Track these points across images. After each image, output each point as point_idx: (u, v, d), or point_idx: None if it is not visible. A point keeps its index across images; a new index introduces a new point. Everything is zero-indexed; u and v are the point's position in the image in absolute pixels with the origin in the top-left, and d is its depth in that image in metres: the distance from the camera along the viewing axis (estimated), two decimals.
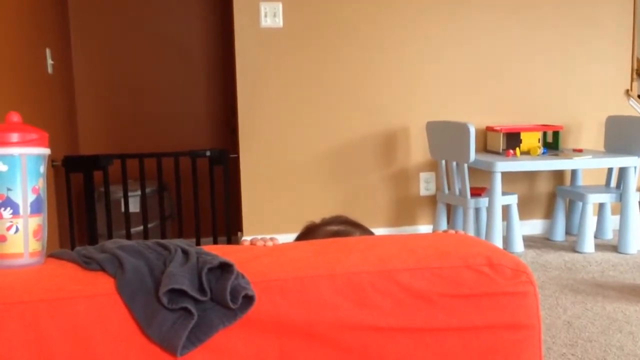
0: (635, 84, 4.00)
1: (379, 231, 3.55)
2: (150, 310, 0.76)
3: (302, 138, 3.66)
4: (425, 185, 3.85)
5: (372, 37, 3.69)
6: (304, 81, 3.64)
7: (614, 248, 3.53)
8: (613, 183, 3.72)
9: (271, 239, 1.04)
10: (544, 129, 3.75)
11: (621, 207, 3.50)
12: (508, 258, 0.87)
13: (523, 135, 3.66)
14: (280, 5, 3.55)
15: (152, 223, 3.60)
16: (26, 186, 0.86)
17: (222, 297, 0.76)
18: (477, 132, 3.62)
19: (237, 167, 3.67)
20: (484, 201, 3.44)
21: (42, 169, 0.88)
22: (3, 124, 0.88)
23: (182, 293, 0.76)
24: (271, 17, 3.55)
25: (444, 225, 3.67)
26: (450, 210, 3.72)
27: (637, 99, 4.02)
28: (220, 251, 0.87)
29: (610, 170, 3.74)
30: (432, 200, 3.84)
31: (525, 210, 3.88)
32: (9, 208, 0.85)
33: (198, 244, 3.30)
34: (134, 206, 3.57)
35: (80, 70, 3.89)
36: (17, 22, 2.71)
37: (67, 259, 0.89)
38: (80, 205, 3.59)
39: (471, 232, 3.37)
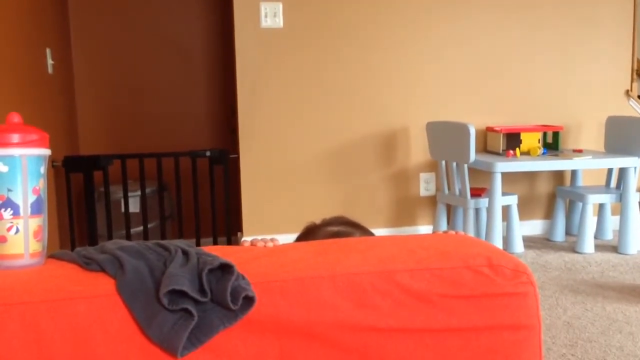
0: (635, 84, 4.00)
1: (379, 231, 3.55)
2: (151, 311, 0.76)
3: (302, 138, 3.67)
4: (425, 185, 3.85)
5: (372, 37, 3.69)
6: (304, 81, 3.64)
7: (614, 248, 3.53)
8: (613, 183, 3.72)
9: (271, 239, 1.04)
10: (544, 129, 3.75)
11: (621, 208, 3.50)
12: (508, 259, 0.88)
13: (523, 136, 3.66)
14: (281, 6, 3.55)
15: (152, 223, 3.60)
16: (27, 187, 0.86)
17: (222, 298, 0.76)
18: (477, 132, 3.62)
19: (237, 167, 3.67)
20: (484, 201, 3.44)
21: (43, 169, 0.88)
22: (3, 125, 0.88)
23: (182, 294, 0.76)
24: (271, 17, 3.55)
25: (444, 225, 3.67)
26: (450, 211, 3.72)
27: (637, 99, 4.02)
28: (220, 252, 0.87)
29: (610, 170, 3.74)
30: (432, 201, 3.84)
31: (525, 211, 3.88)
32: (9, 209, 0.85)
33: (198, 244, 3.30)
34: (134, 206, 3.57)
35: (80, 70, 3.89)
36: (17, 22, 2.71)
37: (67, 259, 0.89)
38: (80, 206, 3.59)
39: (471, 233, 3.38)
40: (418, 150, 3.80)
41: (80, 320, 0.76)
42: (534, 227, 3.97)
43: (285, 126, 3.64)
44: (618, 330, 2.35)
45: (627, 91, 4.00)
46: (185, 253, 0.85)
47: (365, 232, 1.31)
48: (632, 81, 3.99)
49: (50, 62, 3.17)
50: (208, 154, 3.46)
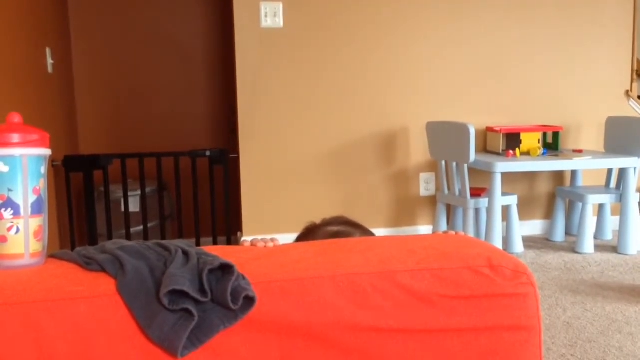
0: (635, 84, 4.00)
1: (379, 231, 3.55)
2: (151, 311, 0.76)
3: (302, 138, 3.67)
4: (425, 185, 3.85)
5: (372, 37, 3.69)
6: (304, 81, 3.64)
7: (614, 249, 3.53)
8: (613, 184, 3.73)
9: (272, 239, 1.04)
10: (543, 129, 3.75)
11: (621, 208, 3.50)
12: (508, 259, 0.88)
13: (523, 136, 3.66)
14: (281, 5, 3.55)
15: (152, 223, 3.60)
16: (27, 187, 0.86)
17: (223, 298, 0.76)
18: (477, 132, 3.62)
19: (237, 167, 3.67)
20: (483, 202, 3.44)
21: (43, 169, 0.88)
22: (4, 125, 0.88)
23: (182, 294, 0.76)
24: (271, 17, 3.55)
25: (443, 225, 3.67)
26: (450, 211, 3.72)
27: (637, 99, 4.02)
28: (220, 252, 0.87)
29: (610, 171, 3.74)
30: (432, 201, 3.84)
31: (525, 211, 3.88)
32: (9, 209, 0.85)
33: (198, 244, 3.30)
34: (134, 206, 3.57)
35: (80, 69, 3.89)
36: (17, 22, 2.71)
37: (67, 259, 0.89)
38: (80, 205, 3.59)
39: (471, 233, 3.38)
40: (418, 150, 3.80)
41: (81, 320, 0.76)
42: (534, 227, 3.97)
43: (285, 126, 3.64)
44: (618, 331, 2.35)
45: (627, 91, 4.00)
46: (185, 253, 0.85)
47: (366, 232, 1.31)
48: (632, 81, 3.99)
49: (50, 61, 3.17)
50: (208, 153, 3.47)
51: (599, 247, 3.55)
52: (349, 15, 3.65)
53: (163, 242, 0.91)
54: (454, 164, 3.48)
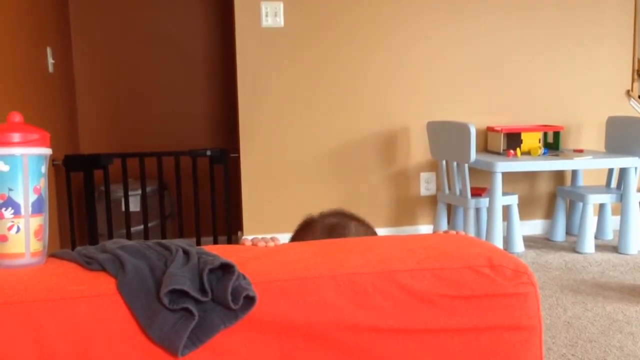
0: (636, 84, 4.00)
1: (379, 231, 3.54)
2: (152, 311, 0.76)
3: (303, 137, 3.67)
4: (426, 185, 3.85)
5: (373, 37, 3.69)
6: (304, 81, 3.64)
7: (615, 248, 3.53)
8: (613, 183, 3.72)
9: (272, 239, 1.04)
10: (544, 129, 3.74)
11: (621, 208, 3.50)
12: (509, 259, 0.87)
13: (523, 136, 3.66)
14: (281, 5, 3.55)
15: (153, 222, 3.60)
16: (27, 186, 0.86)
17: (223, 297, 0.76)
18: (478, 132, 3.62)
19: (237, 167, 3.67)
20: (484, 201, 3.44)
21: (44, 168, 0.88)
22: (4, 124, 0.88)
23: (183, 293, 0.76)
24: (272, 16, 3.55)
25: (444, 225, 3.67)
26: (451, 210, 3.72)
27: (638, 99, 4.02)
28: (221, 251, 0.87)
29: (610, 170, 3.74)
30: (433, 200, 3.84)
31: (526, 211, 3.88)
32: (10, 208, 0.85)
33: (198, 243, 3.31)
34: (135, 205, 3.57)
35: (80, 69, 3.89)
36: (18, 21, 2.71)
37: (68, 259, 0.89)
38: (81, 204, 3.59)
39: (471, 232, 3.38)
40: (418, 150, 3.80)
41: (81, 319, 0.76)
42: (535, 227, 3.97)
43: (286, 125, 3.64)
44: (618, 330, 2.35)
45: (628, 91, 4.00)
46: (186, 252, 0.85)
47: (362, 224, 1.31)
48: (632, 81, 3.99)
49: (51, 61, 3.17)
50: (208, 153, 3.47)
51: (599, 247, 3.55)
52: (350, 15, 3.65)
53: (163, 241, 0.91)
54: (455, 163, 3.48)
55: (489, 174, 3.43)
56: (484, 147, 3.83)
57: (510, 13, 3.83)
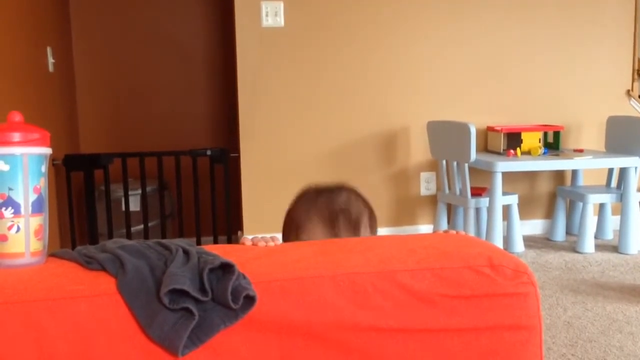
0: (636, 84, 4.00)
1: (379, 231, 3.54)
2: (152, 310, 0.76)
3: (303, 137, 3.66)
4: (426, 185, 3.85)
5: (373, 37, 3.69)
6: (304, 80, 3.64)
7: (615, 248, 3.53)
8: (614, 183, 3.72)
9: (272, 238, 1.03)
10: (544, 129, 3.74)
11: (621, 208, 3.50)
12: (509, 259, 0.87)
13: (524, 135, 3.65)
14: (282, 5, 3.55)
15: (153, 222, 3.60)
16: (27, 186, 0.86)
17: (223, 297, 0.76)
18: (478, 132, 3.62)
19: (237, 166, 3.67)
20: (484, 201, 3.44)
21: (44, 168, 0.88)
22: (5, 124, 0.88)
23: (183, 293, 0.76)
24: (272, 16, 3.55)
25: (444, 225, 3.67)
26: (451, 210, 3.72)
27: (638, 99, 4.02)
28: (221, 251, 0.87)
29: (610, 170, 3.74)
30: (433, 200, 3.84)
31: (526, 210, 3.88)
32: (10, 207, 0.85)
33: (199, 243, 3.31)
34: (135, 205, 3.57)
35: (81, 69, 3.89)
36: (18, 21, 2.71)
37: (68, 258, 0.89)
38: (81, 204, 3.59)
39: (471, 232, 3.38)
40: (419, 150, 3.80)
41: (81, 319, 0.76)
42: (535, 226, 3.97)
43: (286, 125, 3.64)
44: (618, 330, 2.35)
45: (628, 91, 4.00)
46: (186, 252, 0.85)
47: (367, 205, 1.31)
48: (633, 81, 3.99)
49: (51, 60, 3.17)
50: (209, 153, 3.47)
51: (599, 247, 3.55)
52: (350, 14, 3.65)
53: (163, 241, 0.91)
54: (455, 163, 3.47)
55: (489, 173, 3.43)
56: (484, 147, 3.83)
57: (510, 13, 3.83)
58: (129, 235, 3.43)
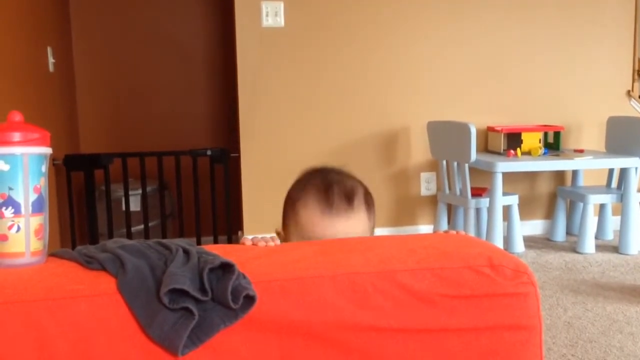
0: (636, 84, 4.00)
1: (379, 231, 3.55)
2: (152, 310, 0.76)
3: (303, 137, 3.67)
4: (426, 185, 3.85)
5: (373, 37, 3.69)
6: (305, 80, 3.64)
7: (615, 249, 3.53)
8: (614, 184, 3.72)
9: (272, 238, 1.04)
10: (544, 129, 3.74)
11: (622, 208, 3.50)
12: (509, 259, 0.87)
13: (524, 136, 3.65)
14: (282, 5, 3.55)
15: (153, 222, 3.60)
16: (28, 185, 0.86)
17: (223, 297, 0.76)
18: (478, 132, 3.62)
19: (237, 166, 3.67)
20: (484, 201, 3.44)
21: (44, 168, 0.88)
22: (5, 123, 0.88)
23: (183, 293, 0.76)
24: (272, 16, 3.55)
25: (444, 225, 3.67)
26: (451, 210, 3.72)
27: (639, 99, 4.02)
28: (221, 251, 0.87)
29: (611, 171, 3.74)
30: (433, 200, 3.84)
31: (526, 211, 3.88)
32: (10, 207, 0.85)
33: (199, 242, 3.31)
34: (135, 205, 3.57)
35: (81, 69, 3.89)
36: (18, 21, 2.71)
37: (68, 258, 0.89)
38: (81, 204, 3.59)
39: (472, 232, 3.38)
40: (419, 150, 3.80)
41: (81, 318, 0.76)
42: (535, 227, 3.97)
43: (286, 125, 3.64)
44: (618, 331, 2.35)
45: (629, 91, 4.00)
46: (186, 252, 0.85)
47: (363, 185, 1.33)
48: (633, 81, 3.99)
49: (51, 60, 3.18)
50: (209, 152, 3.47)
51: (599, 247, 3.55)
52: (350, 14, 3.65)
53: (164, 241, 0.91)
54: (455, 163, 3.47)
55: (489, 174, 3.43)
56: (485, 147, 3.83)
57: (510, 13, 3.83)
58: (129, 235, 3.43)
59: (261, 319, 0.79)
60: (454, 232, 1.10)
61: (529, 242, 3.71)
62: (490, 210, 3.40)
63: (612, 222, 3.76)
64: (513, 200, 3.48)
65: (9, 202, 0.85)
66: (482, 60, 3.83)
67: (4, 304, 0.75)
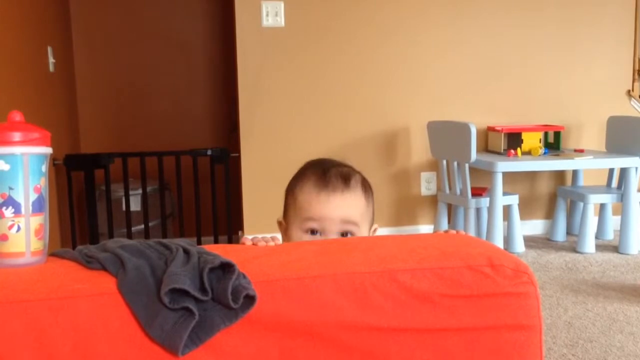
0: (636, 84, 4.00)
1: (380, 231, 3.55)
2: (152, 310, 0.76)
3: (303, 137, 3.67)
4: (426, 185, 3.85)
5: (373, 37, 3.69)
6: (305, 80, 3.64)
7: (615, 248, 3.53)
8: (614, 183, 3.73)
9: (272, 238, 1.04)
10: (545, 129, 3.74)
11: (622, 208, 3.50)
12: (509, 258, 0.87)
13: (524, 136, 3.65)
14: (282, 5, 3.55)
15: (153, 222, 3.60)
16: (28, 185, 0.86)
17: (223, 297, 0.76)
18: (478, 132, 3.62)
19: (238, 166, 3.67)
20: (484, 201, 3.44)
21: (44, 168, 0.88)
22: (5, 123, 0.88)
23: (183, 293, 0.76)
24: (273, 16, 3.55)
25: (444, 225, 3.67)
26: (451, 210, 3.72)
27: (639, 99, 4.02)
28: (221, 251, 0.87)
29: (611, 170, 3.74)
30: (433, 200, 3.84)
31: (526, 211, 3.88)
32: (10, 207, 0.85)
33: (199, 242, 3.31)
34: (135, 205, 3.57)
35: (81, 68, 3.89)
36: (19, 21, 2.71)
37: (68, 258, 0.89)
38: (81, 204, 3.60)
39: (472, 232, 3.38)
40: (419, 150, 3.80)
41: (82, 318, 0.76)
42: (535, 226, 3.97)
43: (286, 125, 3.64)
44: (619, 331, 2.35)
45: (629, 91, 4.00)
46: (186, 252, 0.85)
47: (360, 174, 1.34)
48: (633, 81, 3.99)
49: (51, 60, 3.18)
50: (209, 152, 3.47)
51: (600, 247, 3.55)
52: (350, 15, 3.65)
53: (164, 240, 0.91)
54: (455, 163, 3.48)
55: (489, 173, 3.43)
56: (485, 147, 3.83)
57: (510, 13, 3.83)
58: (129, 235, 3.43)
59: (261, 318, 0.79)
60: (454, 231, 1.10)
61: (529, 242, 3.71)
62: (490, 210, 3.40)
63: (612, 222, 3.76)
64: (513, 200, 3.48)
65: (9, 202, 0.85)
66: (482, 60, 3.83)
67: (4, 303, 0.75)
